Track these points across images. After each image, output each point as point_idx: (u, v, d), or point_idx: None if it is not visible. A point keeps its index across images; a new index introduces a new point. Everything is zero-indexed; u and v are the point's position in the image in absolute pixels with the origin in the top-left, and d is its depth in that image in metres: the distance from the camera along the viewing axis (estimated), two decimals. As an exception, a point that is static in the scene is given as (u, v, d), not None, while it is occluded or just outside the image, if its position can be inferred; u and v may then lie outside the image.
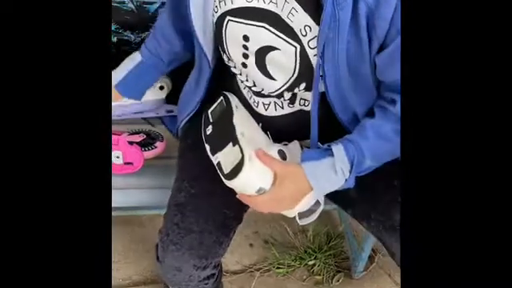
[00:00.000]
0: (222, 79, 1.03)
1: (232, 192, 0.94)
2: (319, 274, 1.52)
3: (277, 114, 1.00)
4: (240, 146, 0.90)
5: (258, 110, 1.01)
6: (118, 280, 1.47)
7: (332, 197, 1.03)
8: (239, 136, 0.92)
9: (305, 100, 0.96)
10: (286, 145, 0.97)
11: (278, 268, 1.52)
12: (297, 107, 0.98)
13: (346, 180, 0.89)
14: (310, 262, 1.54)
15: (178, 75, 1.20)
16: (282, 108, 0.99)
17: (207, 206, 1.00)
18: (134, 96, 1.22)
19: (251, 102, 1.01)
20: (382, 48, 0.85)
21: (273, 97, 0.97)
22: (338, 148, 0.89)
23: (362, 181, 0.92)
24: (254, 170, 0.89)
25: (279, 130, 0.99)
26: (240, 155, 0.89)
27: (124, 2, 1.28)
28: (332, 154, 0.89)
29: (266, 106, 0.99)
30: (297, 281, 1.52)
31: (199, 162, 1.02)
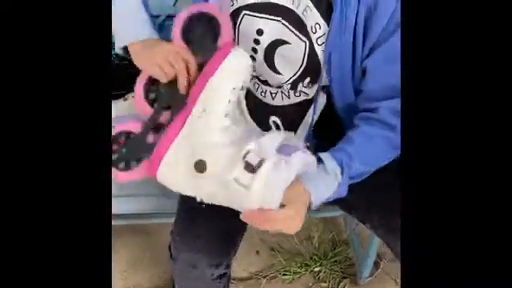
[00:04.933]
0: None
1: None
2: (325, 281, 1.53)
3: (284, 104, 1.02)
4: None
5: (265, 99, 1.03)
6: (126, 288, 1.49)
7: (336, 202, 1.04)
8: None
9: (306, 87, 0.98)
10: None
11: (284, 275, 1.53)
12: (300, 97, 1.01)
13: (339, 184, 0.88)
14: (316, 269, 1.55)
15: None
16: (289, 98, 1.01)
17: (218, 208, 1.01)
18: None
19: (258, 92, 1.03)
20: (370, 52, 0.91)
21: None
22: (324, 155, 0.89)
23: (363, 185, 0.93)
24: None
25: (288, 119, 1.02)
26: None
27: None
28: (323, 162, 0.88)
29: (274, 95, 1.02)
30: (303, 287, 1.53)
31: None
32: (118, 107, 1.29)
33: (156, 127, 0.87)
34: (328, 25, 0.89)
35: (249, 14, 0.93)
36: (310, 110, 0.99)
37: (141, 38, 0.92)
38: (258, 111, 1.05)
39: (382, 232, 1.03)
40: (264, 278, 1.53)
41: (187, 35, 0.89)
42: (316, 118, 1.00)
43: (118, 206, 1.14)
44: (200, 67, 0.86)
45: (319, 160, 0.90)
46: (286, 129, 1.02)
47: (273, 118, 1.02)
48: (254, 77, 1.02)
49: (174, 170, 0.84)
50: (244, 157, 0.78)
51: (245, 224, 1.06)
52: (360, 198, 1.02)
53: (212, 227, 1.00)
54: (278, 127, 1.03)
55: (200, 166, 0.81)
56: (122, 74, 1.27)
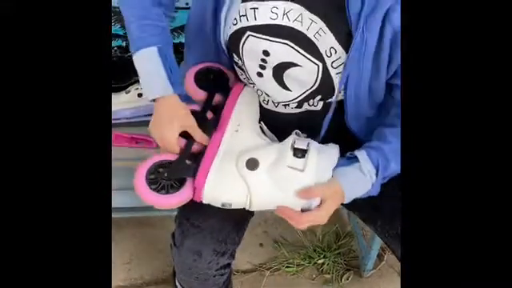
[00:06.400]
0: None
1: None
2: (328, 273, 1.53)
3: (286, 112, 1.02)
4: None
5: (267, 106, 1.03)
6: (129, 280, 1.49)
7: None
8: None
9: (313, 100, 0.98)
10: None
11: (287, 267, 1.54)
12: (304, 109, 1.01)
13: (372, 184, 0.91)
14: (320, 261, 1.55)
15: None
16: (291, 108, 1.02)
17: None
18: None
19: (261, 99, 1.03)
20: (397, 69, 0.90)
21: None
22: (361, 153, 0.92)
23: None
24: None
25: (288, 124, 1.02)
26: None
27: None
28: (358, 160, 0.91)
29: (276, 104, 1.01)
30: (306, 279, 1.53)
31: None
32: (119, 100, 1.29)
33: (190, 155, 0.94)
34: (345, 50, 0.86)
35: (253, 36, 0.90)
36: (323, 121, 0.99)
37: (159, 94, 0.93)
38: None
39: (384, 236, 1.03)
40: (267, 270, 1.53)
41: (199, 83, 1.02)
42: (325, 128, 1.00)
43: (121, 199, 1.14)
44: (222, 101, 0.99)
45: (355, 158, 0.91)
46: (287, 132, 1.00)
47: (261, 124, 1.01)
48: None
49: (220, 184, 0.90)
50: (293, 145, 0.90)
51: (251, 211, 1.05)
52: (365, 201, 1.01)
53: (220, 212, 0.98)
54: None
55: (252, 163, 0.89)
56: (124, 67, 1.27)
